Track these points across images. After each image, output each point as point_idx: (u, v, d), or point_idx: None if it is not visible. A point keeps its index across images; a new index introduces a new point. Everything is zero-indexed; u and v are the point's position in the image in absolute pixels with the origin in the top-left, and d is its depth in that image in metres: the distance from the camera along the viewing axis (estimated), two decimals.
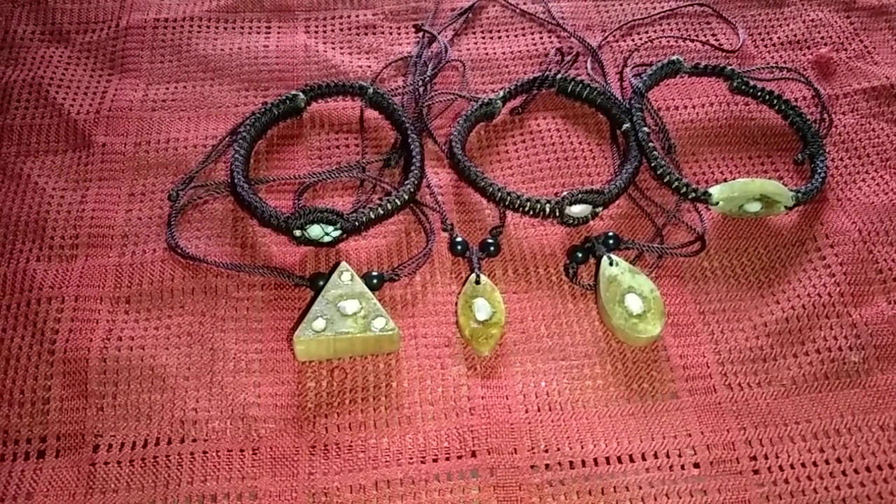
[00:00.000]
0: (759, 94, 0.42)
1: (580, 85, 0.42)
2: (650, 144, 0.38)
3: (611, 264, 0.35)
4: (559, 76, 0.43)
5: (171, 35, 0.47)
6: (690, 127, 0.42)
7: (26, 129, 0.42)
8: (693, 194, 0.37)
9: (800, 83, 0.44)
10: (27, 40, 0.46)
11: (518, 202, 0.36)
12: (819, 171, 0.39)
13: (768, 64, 0.45)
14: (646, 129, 0.39)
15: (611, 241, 0.36)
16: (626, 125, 0.40)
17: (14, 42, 0.46)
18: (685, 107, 0.43)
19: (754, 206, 0.37)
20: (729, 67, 0.43)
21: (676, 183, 0.37)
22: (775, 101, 0.42)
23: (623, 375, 0.33)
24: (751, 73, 0.43)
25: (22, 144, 0.41)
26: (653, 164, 0.38)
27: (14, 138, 0.41)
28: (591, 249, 0.36)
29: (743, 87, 0.43)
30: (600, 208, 0.37)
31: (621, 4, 0.49)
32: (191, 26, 0.47)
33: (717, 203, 0.37)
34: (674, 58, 0.42)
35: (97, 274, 0.36)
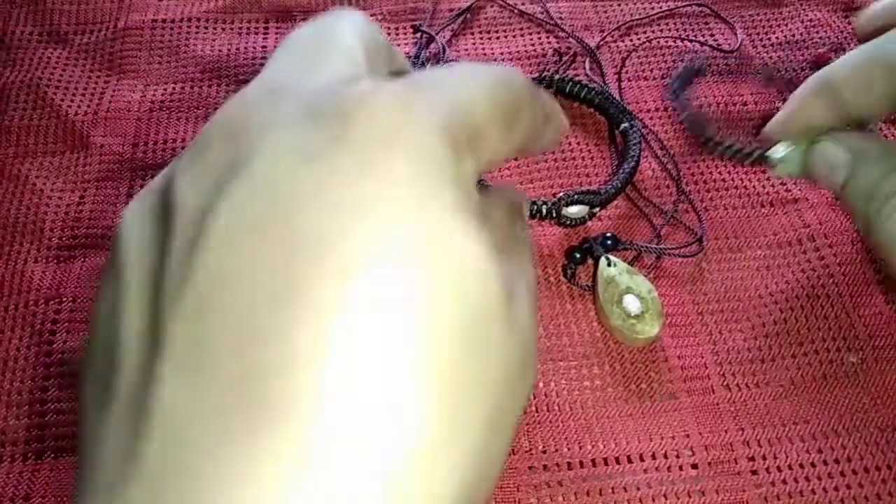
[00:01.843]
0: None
1: (578, 85, 0.42)
2: (693, 121, 0.37)
3: (609, 265, 0.35)
4: (557, 76, 0.43)
5: (169, 36, 0.47)
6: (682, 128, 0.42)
7: (24, 130, 0.42)
8: (751, 157, 0.33)
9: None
10: (25, 41, 0.46)
11: None
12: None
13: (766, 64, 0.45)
14: (688, 110, 0.38)
15: (609, 242, 0.36)
16: (624, 125, 0.40)
17: (12, 43, 0.46)
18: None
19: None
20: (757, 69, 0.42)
21: (731, 150, 0.34)
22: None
23: (621, 376, 0.33)
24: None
25: (20, 146, 0.41)
26: (702, 140, 0.36)
27: (12, 139, 0.41)
28: (589, 250, 0.36)
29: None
30: (597, 209, 0.37)
31: (619, 5, 0.49)
32: (188, 27, 0.47)
33: (778, 164, 0.33)
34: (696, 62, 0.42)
35: (95, 275, 0.36)
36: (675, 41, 0.47)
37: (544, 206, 0.36)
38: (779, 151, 0.33)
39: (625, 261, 0.36)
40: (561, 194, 0.36)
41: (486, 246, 0.14)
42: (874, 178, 0.26)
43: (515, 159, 0.41)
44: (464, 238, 0.14)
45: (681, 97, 0.39)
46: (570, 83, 0.42)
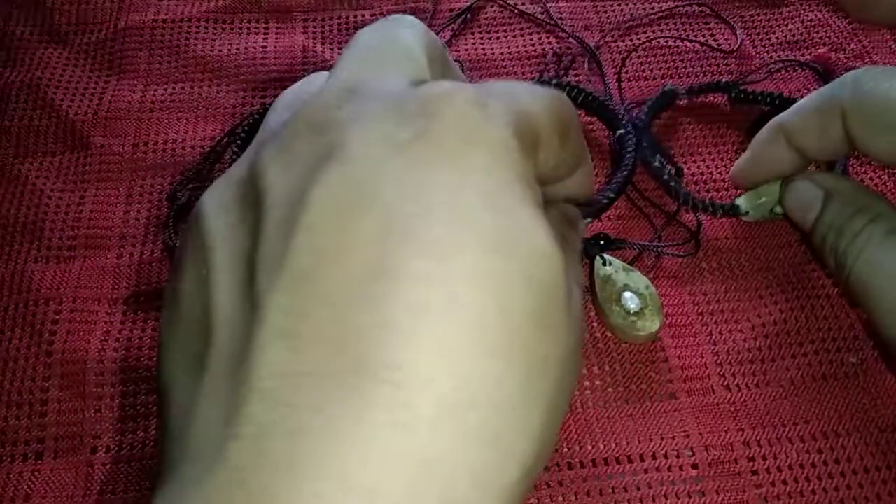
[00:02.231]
0: (759, 98, 0.42)
1: (575, 90, 0.42)
2: (665, 177, 0.38)
3: (604, 264, 0.35)
4: (554, 81, 0.43)
5: (169, 36, 0.47)
6: (688, 126, 0.42)
7: (24, 130, 0.42)
8: (721, 210, 0.36)
9: (800, 84, 0.44)
10: (25, 41, 0.46)
11: None
12: (839, 162, 0.38)
13: (765, 62, 0.45)
14: (657, 164, 0.38)
15: (602, 243, 0.36)
16: (620, 131, 0.40)
17: (12, 43, 0.46)
18: (681, 108, 0.43)
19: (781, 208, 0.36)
20: (724, 81, 0.42)
21: (702, 205, 0.36)
22: (777, 102, 0.41)
23: (621, 376, 0.33)
24: (747, 78, 0.43)
25: (20, 146, 0.41)
26: (674, 195, 0.37)
27: (12, 140, 0.41)
28: (584, 251, 0.36)
29: (742, 96, 0.42)
30: (589, 220, 0.36)
31: (619, 5, 0.49)
32: (188, 27, 0.47)
33: (748, 213, 0.35)
34: (667, 87, 0.42)
35: (95, 275, 0.36)
36: (675, 41, 0.47)
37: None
38: (744, 205, 0.35)
39: (624, 261, 0.36)
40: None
41: (550, 234, 0.15)
42: (843, 217, 0.26)
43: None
44: (533, 224, 0.15)
45: (645, 153, 0.39)
46: (567, 88, 0.42)
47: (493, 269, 0.14)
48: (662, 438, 0.31)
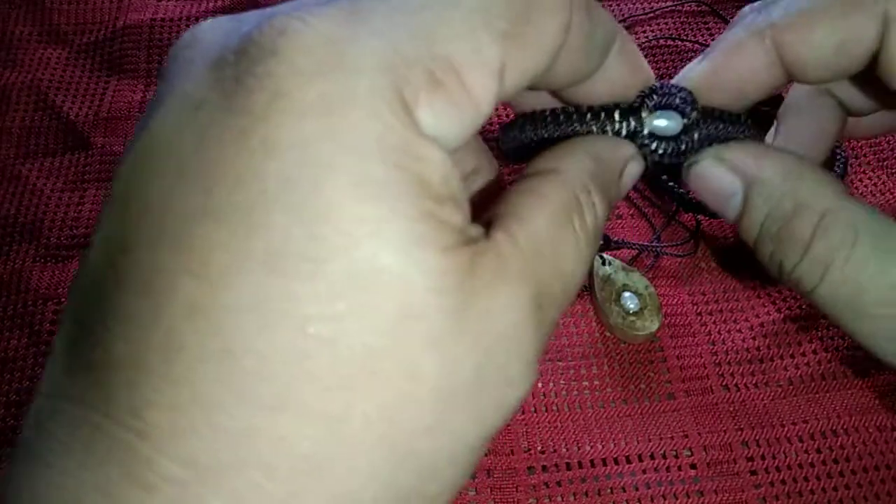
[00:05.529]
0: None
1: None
2: (669, 184, 0.37)
3: (603, 264, 0.35)
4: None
5: (169, 35, 0.47)
6: None
7: (25, 131, 0.42)
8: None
9: None
10: (24, 42, 0.46)
11: None
12: (838, 161, 0.37)
13: None
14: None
15: (601, 242, 0.36)
16: None
17: (12, 44, 0.46)
18: None
19: None
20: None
21: (700, 207, 0.35)
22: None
23: (620, 376, 0.33)
24: None
25: (21, 147, 0.41)
26: (671, 196, 0.37)
27: (13, 140, 0.42)
28: None
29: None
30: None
31: (619, 4, 0.49)
32: (188, 27, 0.47)
33: None
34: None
35: None
36: (673, 41, 0.47)
37: (616, 115, 0.20)
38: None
39: (623, 261, 0.36)
40: (652, 85, 0.21)
41: (411, 242, 0.11)
42: (778, 219, 0.18)
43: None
44: (369, 227, 0.11)
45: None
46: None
47: (283, 299, 0.11)
48: (661, 438, 0.31)
